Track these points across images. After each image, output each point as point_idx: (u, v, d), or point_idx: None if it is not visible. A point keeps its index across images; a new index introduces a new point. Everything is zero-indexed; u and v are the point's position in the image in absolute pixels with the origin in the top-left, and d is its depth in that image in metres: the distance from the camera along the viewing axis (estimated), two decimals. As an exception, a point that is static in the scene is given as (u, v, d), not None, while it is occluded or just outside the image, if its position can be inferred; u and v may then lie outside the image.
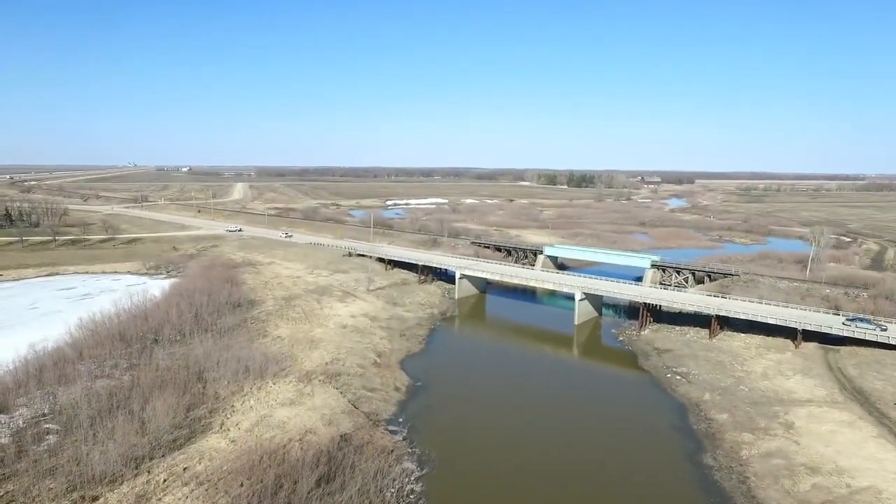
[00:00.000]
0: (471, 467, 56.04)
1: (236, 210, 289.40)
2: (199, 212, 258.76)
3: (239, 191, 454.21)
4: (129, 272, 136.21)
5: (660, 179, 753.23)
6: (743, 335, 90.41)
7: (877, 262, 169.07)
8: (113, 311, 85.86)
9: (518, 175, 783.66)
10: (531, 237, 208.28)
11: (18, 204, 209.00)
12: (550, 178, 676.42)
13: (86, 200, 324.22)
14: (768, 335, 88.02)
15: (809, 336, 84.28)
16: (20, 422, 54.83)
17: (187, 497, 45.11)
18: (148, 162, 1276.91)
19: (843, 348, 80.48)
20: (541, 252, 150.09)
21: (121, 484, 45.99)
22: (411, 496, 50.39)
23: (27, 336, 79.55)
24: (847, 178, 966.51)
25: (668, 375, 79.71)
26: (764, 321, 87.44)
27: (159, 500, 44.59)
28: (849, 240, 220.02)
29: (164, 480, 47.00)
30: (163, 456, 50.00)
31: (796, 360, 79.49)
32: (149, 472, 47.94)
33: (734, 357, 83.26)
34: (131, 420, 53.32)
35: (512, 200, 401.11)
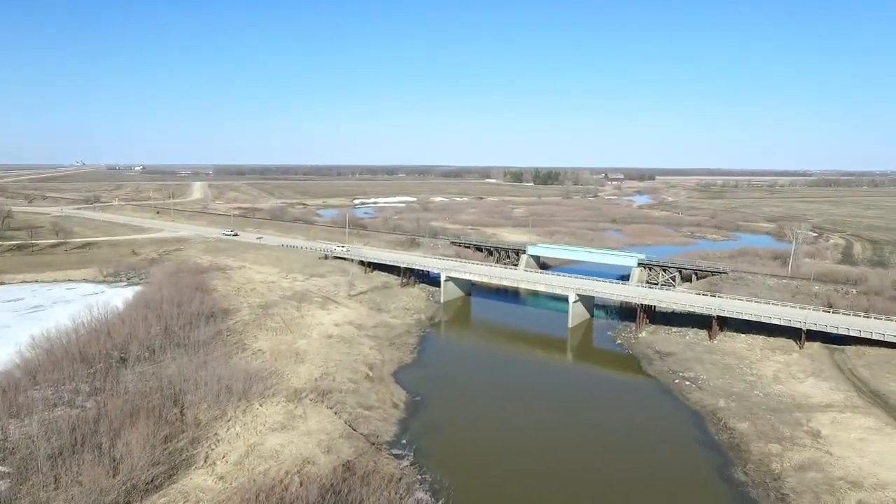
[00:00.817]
0: (489, 495, 50.92)
1: (197, 210, 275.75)
2: (157, 213, 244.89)
3: (198, 190, 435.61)
4: (84, 280, 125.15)
5: (622, 176, 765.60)
6: (743, 336, 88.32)
7: (847, 257, 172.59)
8: (70, 326, 76.77)
9: (484, 172, 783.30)
10: (508, 236, 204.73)
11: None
12: (517, 176, 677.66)
13: (31, 202, 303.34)
14: (769, 335, 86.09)
15: (812, 335, 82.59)
16: (-37, 465, 46.62)
17: (174, 553, 38.44)
18: (97, 161, 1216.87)
19: (848, 348, 79.04)
20: (524, 251, 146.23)
21: (91, 540, 38.90)
22: (430, 533, 44.91)
23: (-31, 357, 70.08)
24: (795, 174, 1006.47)
25: (677, 381, 76.49)
26: (767, 321, 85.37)
27: (140, 558, 37.80)
28: (815, 234, 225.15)
29: (144, 532, 40.11)
30: (141, 500, 42.94)
31: (804, 361, 77.60)
32: (124, 522, 40.93)
33: (740, 359, 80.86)
34: (100, 459, 45.77)
35: (482, 198, 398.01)
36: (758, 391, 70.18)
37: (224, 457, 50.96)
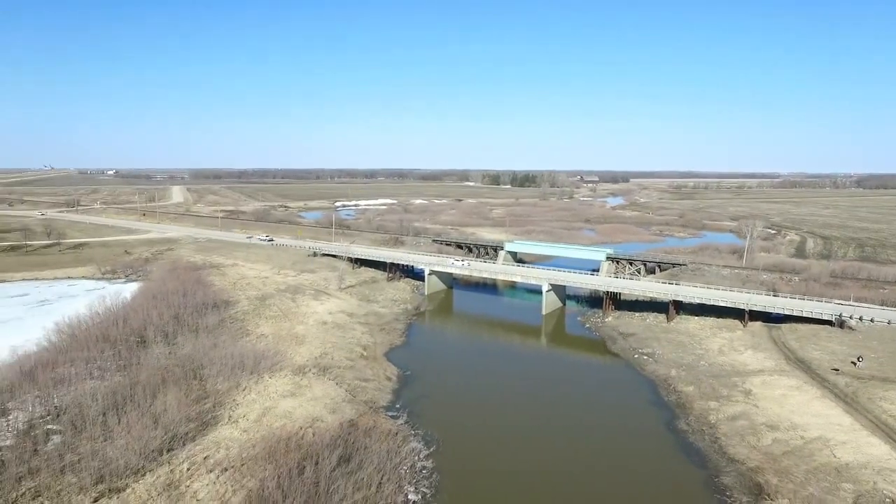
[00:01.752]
0: (472, 445, 60.04)
1: (181, 213, 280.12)
2: (143, 215, 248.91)
3: (178, 193, 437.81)
4: (83, 277, 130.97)
5: (597, 178, 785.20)
6: (697, 318, 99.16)
7: (800, 251, 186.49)
8: (88, 314, 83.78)
9: (462, 175, 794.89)
10: (487, 234, 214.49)
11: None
12: (494, 179, 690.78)
13: (11, 205, 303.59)
14: (719, 317, 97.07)
15: (755, 316, 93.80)
16: (20, 425, 54.02)
17: (215, 482, 46.68)
18: (66, 165, 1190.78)
19: (784, 325, 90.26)
20: (501, 248, 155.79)
21: (144, 475, 46.83)
22: (423, 471, 53.83)
23: (-6, 343, 76.61)
24: (764, 176, 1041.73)
25: (636, 356, 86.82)
26: (715, 304, 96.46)
27: (188, 486, 45.94)
28: (774, 232, 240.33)
29: (188, 469, 48.22)
30: (182, 446, 51.08)
31: (746, 337, 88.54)
32: (169, 462, 48.92)
33: (692, 337, 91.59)
34: (142, 416, 53.76)
35: (461, 200, 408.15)
36: (704, 362, 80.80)
37: (244, 416, 59.18)
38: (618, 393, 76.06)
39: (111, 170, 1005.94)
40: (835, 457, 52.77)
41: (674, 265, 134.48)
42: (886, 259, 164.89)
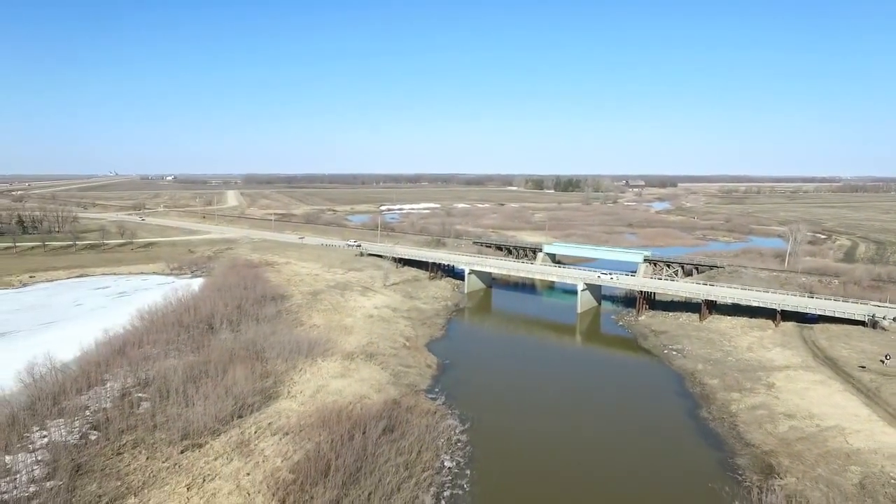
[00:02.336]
0: (504, 424, 65.71)
1: (236, 216, 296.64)
2: (203, 218, 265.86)
3: (233, 198, 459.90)
4: (154, 273, 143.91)
5: (643, 183, 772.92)
6: (729, 318, 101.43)
7: (849, 256, 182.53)
8: (163, 303, 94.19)
9: (505, 180, 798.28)
10: (527, 237, 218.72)
11: (30, 212, 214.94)
12: (537, 183, 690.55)
13: (85, 208, 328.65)
14: (752, 317, 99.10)
15: (788, 317, 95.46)
16: (115, 392, 63.39)
17: (278, 443, 54.27)
18: (128, 171, 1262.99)
19: (816, 326, 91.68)
20: (540, 250, 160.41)
21: (219, 435, 54.94)
22: (458, 444, 60.01)
23: (84, 328, 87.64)
24: (823, 180, 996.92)
25: (665, 352, 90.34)
26: (748, 304, 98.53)
27: (256, 445, 53.68)
28: (823, 237, 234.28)
29: (255, 432, 56.08)
30: (250, 414, 59.11)
31: (776, 336, 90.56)
32: (240, 426, 56.92)
33: (722, 335, 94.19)
34: (215, 387, 62.14)
35: (503, 204, 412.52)
36: (731, 357, 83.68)
37: (301, 392, 66.92)
38: (645, 384, 80.00)
39: (170, 175, 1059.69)
40: (847, 443, 55.70)
41: (711, 267, 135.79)
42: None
